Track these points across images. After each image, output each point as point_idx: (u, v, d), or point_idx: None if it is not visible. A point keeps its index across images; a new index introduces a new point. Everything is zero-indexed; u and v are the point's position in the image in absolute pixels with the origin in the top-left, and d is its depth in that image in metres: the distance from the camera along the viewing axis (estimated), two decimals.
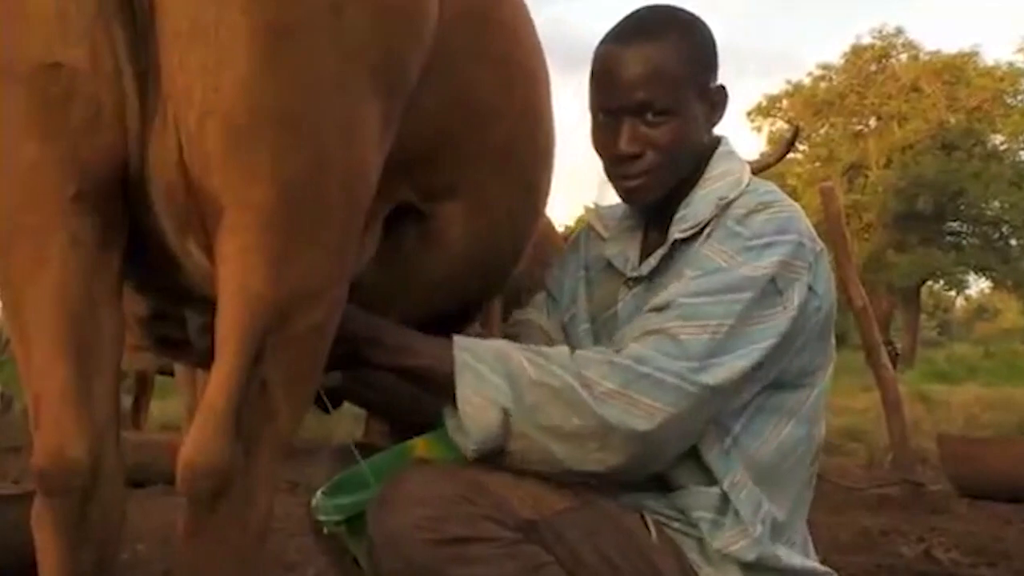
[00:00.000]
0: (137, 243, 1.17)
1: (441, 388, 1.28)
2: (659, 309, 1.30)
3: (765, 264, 1.29)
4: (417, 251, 1.44)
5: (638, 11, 1.42)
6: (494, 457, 1.26)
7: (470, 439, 1.25)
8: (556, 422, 1.23)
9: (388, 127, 1.22)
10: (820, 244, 1.37)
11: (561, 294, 1.56)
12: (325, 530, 1.35)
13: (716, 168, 1.42)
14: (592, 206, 1.61)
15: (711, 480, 1.32)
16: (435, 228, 1.44)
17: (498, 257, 1.61)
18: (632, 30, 1.39)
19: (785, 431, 1.36)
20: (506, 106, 1.49)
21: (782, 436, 1.35)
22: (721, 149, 1.45)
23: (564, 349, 1.29)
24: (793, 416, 1.37)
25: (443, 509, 1.21)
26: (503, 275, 1.68)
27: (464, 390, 1.25)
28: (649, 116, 1.36)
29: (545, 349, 1.29)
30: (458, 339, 1.29)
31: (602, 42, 1.41)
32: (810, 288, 1.32)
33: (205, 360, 1.20)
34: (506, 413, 1.23)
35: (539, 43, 1.63)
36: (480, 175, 1.47)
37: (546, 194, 1.73)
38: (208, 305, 1.21)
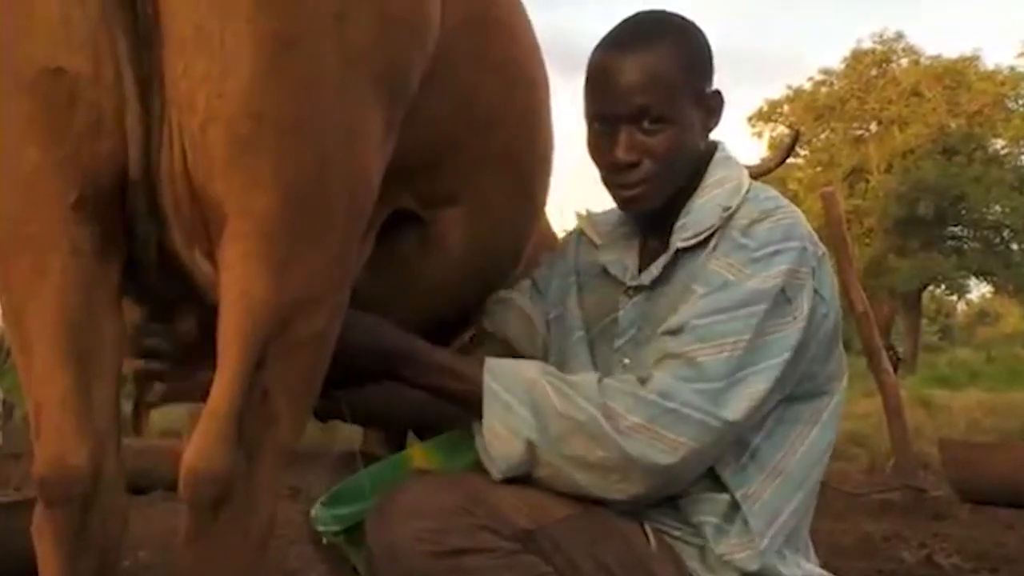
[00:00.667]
0: (133, 252, 1.17)
1: (470, 408, 1.30)
2: (674, 332, 1.29)
3: (774, 274, 1.29)
4: (416, 256, 1.45)
5: (632, 17, 1.41)
6: (521, 478, 1.28)
7: (495, 466, 1.27)
8: (580, 453, 1.24)
9: (390, 134, 1.22)
10: (822, 248, 1.37)
11: (547, 290, 1.55)
12: (324, 540, 1.35)
13: (714, 174, 1.41)
14: (584, 212, 1.59)
15: (720, 487, 1.32)
16: (434, 233, 1.44)
17: (497, 261, 1.61)
18: (627, 36, 1.38)
19: (810, 438, 1.36)
20: (507, 110, 1.49)
21: (807, 443, 1.36)
22: (718, 155, 1.44)
23: (591, 378, 1.29)
24: (816, 422, 1.37)
25: (442, 521, 1.21)
26: (502, 279, 1.67)
27: (491, 419, 1.27)
28: (646, 123, 1.34)
29: (571, 377, 1.30)
30: (489, 363, 1.30)
31: (596, 49, 1.39)
32: (816, 292, 1.32)
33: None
34: (531, 444, 1.25)
35: (537, 43, 1.63)
36: (481, 180, 1.47)
37: (545, 196, 1.73)
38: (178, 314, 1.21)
